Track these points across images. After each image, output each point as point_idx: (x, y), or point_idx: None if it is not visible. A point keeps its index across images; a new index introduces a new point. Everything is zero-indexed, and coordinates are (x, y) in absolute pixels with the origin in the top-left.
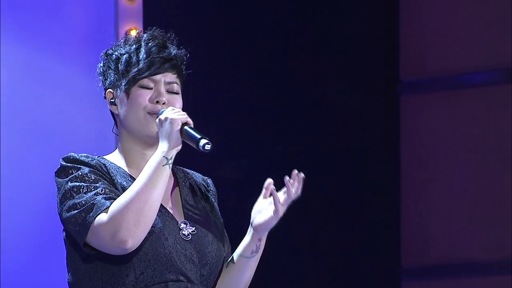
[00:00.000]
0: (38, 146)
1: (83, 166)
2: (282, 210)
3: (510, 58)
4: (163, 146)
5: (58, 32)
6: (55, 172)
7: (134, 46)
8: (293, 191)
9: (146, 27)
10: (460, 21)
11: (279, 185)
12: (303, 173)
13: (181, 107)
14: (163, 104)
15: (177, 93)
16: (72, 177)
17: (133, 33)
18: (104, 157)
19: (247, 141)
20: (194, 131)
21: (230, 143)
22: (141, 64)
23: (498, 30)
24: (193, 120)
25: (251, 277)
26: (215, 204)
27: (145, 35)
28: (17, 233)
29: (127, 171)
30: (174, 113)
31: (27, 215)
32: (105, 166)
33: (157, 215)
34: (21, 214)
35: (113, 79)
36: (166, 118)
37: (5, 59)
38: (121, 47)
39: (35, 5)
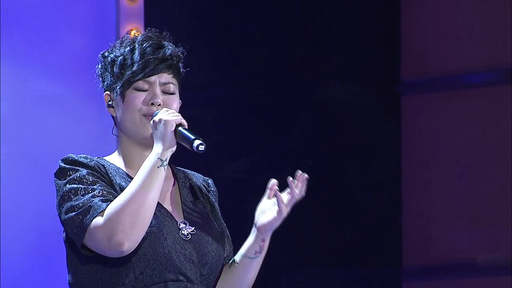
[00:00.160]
0: (39, 146)
1: (82, 167)
2: (285, 211)
3: (511, 58)
4: (157, 147)
5: (60, 32)
6: (54, 174)
7: (128, 48)
8: (297, 191)
9: (147, 27)
10: (461, 21)
11: (280, 184)
12: (311, 172)
13: (179, 107)
14: (158, 105)
15: (173, 94)
16: (70, 179)
17: (134, 33)
18: (104, 158)
19: (248, 141)
20: (188, 132)
21: (230, 143)
22: (135, 67)
23: (499, 30)
24: (193, 120)
25: (255, 278)
26: (216, 204)
27: (139, 36)
28: (17, 234)
29: (126, 172)
30: (168, 114)
31: (28, 216)
32: (104, 167)
33: (156, 215)
34: (22, 214)
35: (110, 81)
36: (160, 120)
37: (6, 56)
38: (117, 49)
39: (36, 5)
